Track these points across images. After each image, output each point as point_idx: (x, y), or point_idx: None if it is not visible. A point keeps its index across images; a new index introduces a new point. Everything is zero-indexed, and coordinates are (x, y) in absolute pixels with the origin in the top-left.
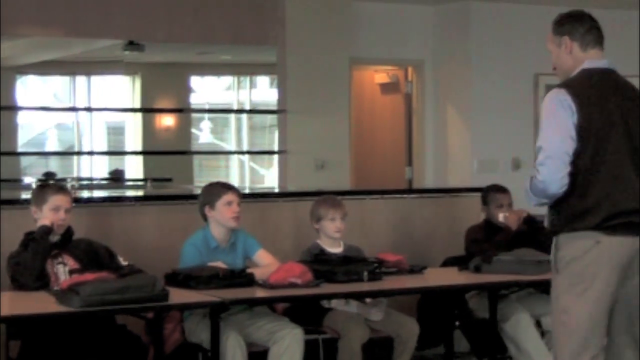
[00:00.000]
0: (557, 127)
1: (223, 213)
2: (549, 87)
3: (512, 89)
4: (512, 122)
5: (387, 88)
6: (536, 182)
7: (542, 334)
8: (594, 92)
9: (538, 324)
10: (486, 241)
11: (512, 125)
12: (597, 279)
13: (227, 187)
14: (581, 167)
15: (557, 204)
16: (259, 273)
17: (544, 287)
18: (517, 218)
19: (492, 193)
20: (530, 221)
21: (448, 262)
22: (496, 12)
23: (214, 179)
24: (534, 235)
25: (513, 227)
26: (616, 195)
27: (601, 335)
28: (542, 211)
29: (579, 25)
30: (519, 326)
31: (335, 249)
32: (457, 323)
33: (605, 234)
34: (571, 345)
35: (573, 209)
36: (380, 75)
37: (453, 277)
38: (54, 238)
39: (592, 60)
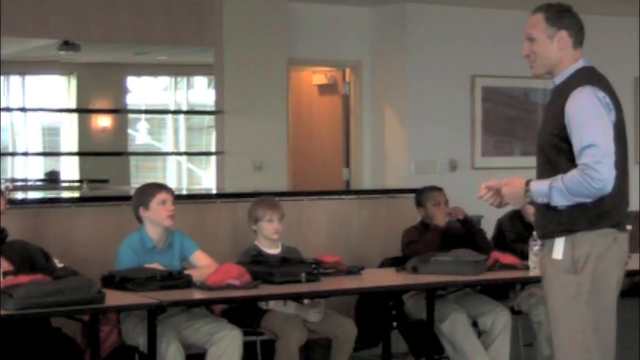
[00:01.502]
0: (604, 126)
1: (158, 212)
2: (485, 89)
3: (449, 90)
4: (449, 123)
5: (324, 89)
6: (589, 181)
7: (479, 334)
8: (614, 93)
9: (475, 324)
10: (423, 242)
11: (449, 127)
12: (615, 275)
13: (160, 187)
14: (617, 166)
15: (580, 203)
16: (196, 274)
17: (481, 288)
18: (448, 215)
19: (427, 192)
20: (465, 221)
21: (385, 263)
22: (433, 14)
23: (151, 180)
24: (469, 236)
25: (441, 223)
26: (627, 194)
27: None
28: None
29: (575, 21)
30: (456, 326)
31: (273, 250)
32: (394, 324)
33: (619, 230)
34: (587, 343)
35: (600, 208)
36: (318, 76)
37: (390, 277)
38: None
39: (585, 59)
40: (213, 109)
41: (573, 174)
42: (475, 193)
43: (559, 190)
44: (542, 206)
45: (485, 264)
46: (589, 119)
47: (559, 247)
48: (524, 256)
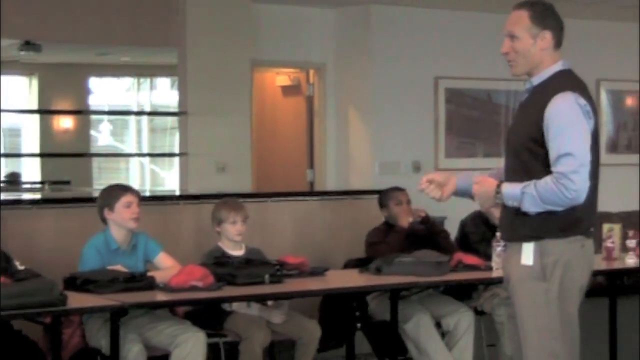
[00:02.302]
0: (583, 134)
1: (122, 214)
2: (448, 91)
3: (412, 91)
4: (413, 124)
5: (288, 90)
6: (563, 191)
7: (443, 334)
8: (591, 97)
9: (438, 325)
10: (387, 243)
11: (413, 128)
12: (582, 282)
13: (125, 189)
14: (592, 175)
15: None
16: (159, 276)
17: (444, 288)
18: (410, 215)
19: (389, 193)
20: (426, 222)
21: (349, 264)
22: (396, 16)
23: (114, 182)
24: (433, 237)
25: (405, 224)
26: (596, 202)
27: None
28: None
29: (558, 21)
30: (420, 327)
31: (237, 252)
32: (358, 325)
33: (586, 237)
34: (554, 349)
35: (571, 216)
36: (281, 77)
37: (354, 279)
38: None
39: (564, 61)
40: (176, 110)
41: (547, 181)
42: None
43: (531, 197)
44: (511, 209)
45: (449, 264)
46: (568, 127)
47: (528, 253)
48: (487, 257)
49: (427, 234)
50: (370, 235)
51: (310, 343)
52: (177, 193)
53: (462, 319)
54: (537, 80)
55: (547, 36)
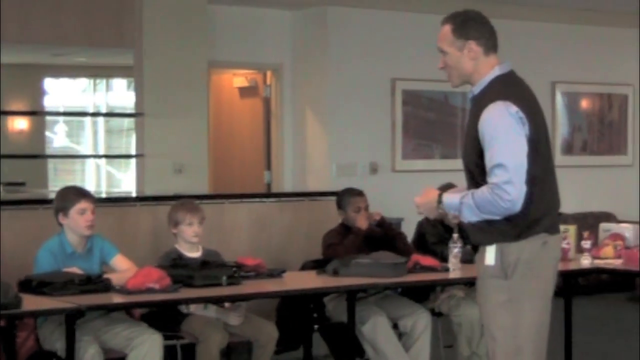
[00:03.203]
0: (515, 143)
1: (76, 221)
2: (405, 92)
3: (369, 93)
4: (370, 126)
5: (245, 92)
6: (498, 200)
7: (400, 336)
8: (530, 100)
9: (395, 326)
10: (342, 243)
11: (370, 130)
12: (546, 278)
13: (80, 194)
14: (535, 178)
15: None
16: (116, 278)
17: (401, 290)
18: (368, 218)
19: (348, 196)
20: (382, 224)
21: (307, 266)
22: (354, 18)
23: (70, 183)
24: (390, 239)
25: (363, 227)
26: (556, 197)
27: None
28: (400, 214)
29: (482, 28)
30: (377, 328)
31: (194, 254)
32: (315, 326)
33: (550, 234)
34: (518, 346)
35: (527, 218)
36: (239, 79)
37: (311, 280)
38: None
39: (501, 65)
40: (133, 111)
41: (483, 191)
42: (396, 195)
43: (468, 206)
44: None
45: (406, 266)
46: (499, 137)
47: (490, 254)
48: (444, 258)
49: (383, 236)
50: (327, 237)
51: (268, 345)
52: (134, 195)
53: (419, 320)
54: (477, 89)
55: (473, 46)
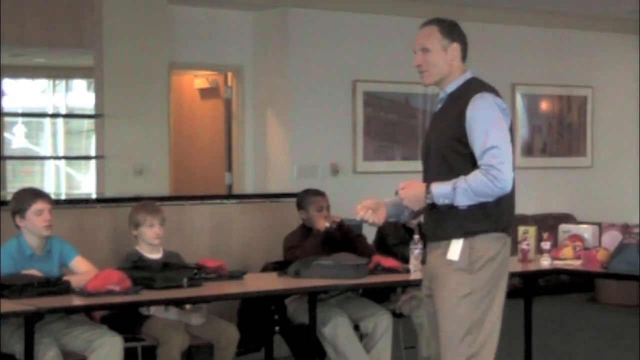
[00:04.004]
0: (504, 131)
1: (33, 222)
2: (366, 94)
3: (330, 95)
4: (331, 128)
5: (206, 93)
6: (493, 181)
7: (361, 337)
8: (503, 100)
9: (357, 328)
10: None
11: (331, 131)
12: (505, 277)
13: (36, 195)
14: (514, 168)
15: (475, 206)
16: (75, 280)
17: (362, 291)
18: (327, 220)
19: (308, 196)
20: (341, 228)
21: (268, 267)
22: (315, 19)
23: (28, 185)
24: (347, 241)
25: (321, 228)
26: (514, 199)
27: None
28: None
29: (463, 37)
30: (338, 330)
31: (155, 255)
32: (277, 328)
33: (507, 235)
34: (472, 340)
35: (497, 210)
36: (199, 80)
37: (273, 282)
38: None
39: (471, 70)
40: (93, 112)
41: (476, 174)
42: (358, 197)
43: (463, 191)
44: (439, 209)
45: (367, 267)
46: (491, 123)
47: (455, 248)
48: (405, 259)
49: (343, 239)
50: (288, 238)
51: (229, 347)
52: (94, 196)
53: (380, 322)
54: (450, 88)
55: (456, 47)
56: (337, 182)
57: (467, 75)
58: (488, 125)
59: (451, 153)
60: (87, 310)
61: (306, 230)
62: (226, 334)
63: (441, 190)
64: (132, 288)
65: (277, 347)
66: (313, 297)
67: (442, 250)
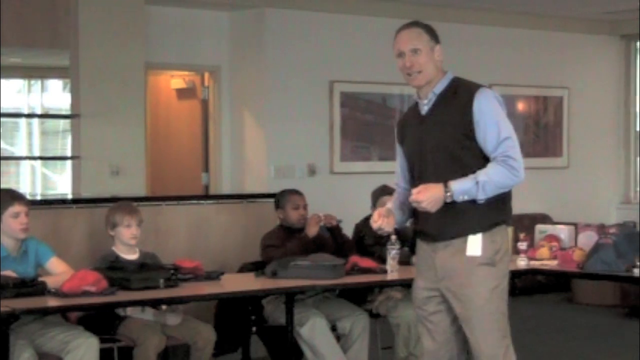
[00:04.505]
0: (509, 122)
1: (10, 225)
2: (343, 94)
3: (307, 95)
4: (308, 128)
5: (183, 93)
6: (512, 171)
7: (338, 338)
8: None
9: (334, 328)
10: (282, 245)
11: (308, 132)
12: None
13: (13, 198)
14: None
15: (491, 198)
16: (51, 281)
17: (339, 291)
18: (321, 221)
19: (286, 195)
20: (335, 230)
21: (245, 268)
22: (291, 20)
23: (4, 186)
24: (336, 245)
25: (312, 234)
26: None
27: None
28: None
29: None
30: (315, 330)
31: (131, 256)
32: (253, 329)
33: (507, 226)
34: (504, 329)
35: (504, 202)
36: (176, 80)
37: (250, 282)
38: None
39: (450, 71)
40: (69, 112)
41: (495, 166)
42: (335, 197)
43: (486, 184)
44: (452, 207)
45: (344, 268)
46: (499, 115)
47: (475, 244)
48: (382, 260)
49: (331, 242)
50: (265, 238)
51: (206, 347)
52: (70, 197)
53: (357, 322)
54: (438, 88)
55: (440, 51)
56: (314, 183)
57: (450, 75)
58: (497, 118)
59: (461, 150)
60: (63, 311)
61: (284, 229)
62: (203, 335)
63: (462, 187)
64: (108, 289)
65: (254, 347)
66: (290, 297)
67: (454, 248)
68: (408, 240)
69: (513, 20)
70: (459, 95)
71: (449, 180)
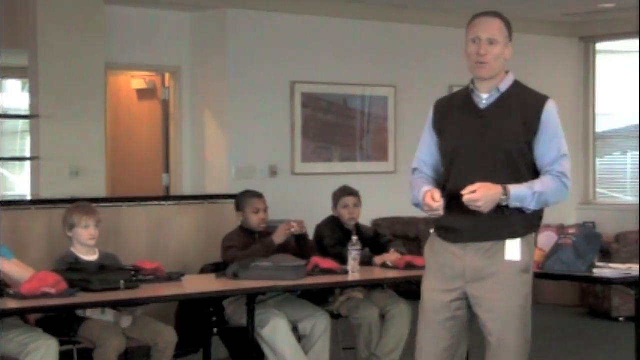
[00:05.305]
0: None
1: None
2: (305, 95)
3: (269, 96)
4: (269, 129)
5: (144, 94)
6: (563, 189)
7: (299, 339)
8: None
9: (295, 329)
10: (243, 247)
11: (269, 132)
12: None
13: None
14: None
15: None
16: (10, 283)
17: (301, 292)
18: (290, 229)
19: (247, 198)
20: (302, 238)
21: (206, 269)
22: (253, 20)
23: None
24: (301, 252)
25: (279, 241)
26: None
27: None
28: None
29: None
30: (277, 331)
31: (91, 257)
32: (215, 330)
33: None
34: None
35: (542, 209)
36: (137, 81)
37: (211, 284)
38: None
39: (511, 72)
40: (28, 113)
41: (551, 180)
42: (296, 198)
43: (541, 196)
44: (501, 209)
45: (305, 269)
46: (561, 131)
47: (514, 248)
48: (343, 261)
49: (293, 244)
50: (226, 239)
51: (167, 349)
52: (29, 198)
53: (318, 323)
54: (503, 87)
55: (511, 49)
56: (276, 184)
57: (512, 77)
58: (560, 133)
59: (519, 156)
60: (22, 314)
61: (244, 231)
62: (164, 337)
63: (519, 194)
64: (68, 290)
65: (215, 349)
66: (251, 298)
67: (491, 250)
68: (368, 240)
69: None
70: (526, 100)
71: (499, 183)
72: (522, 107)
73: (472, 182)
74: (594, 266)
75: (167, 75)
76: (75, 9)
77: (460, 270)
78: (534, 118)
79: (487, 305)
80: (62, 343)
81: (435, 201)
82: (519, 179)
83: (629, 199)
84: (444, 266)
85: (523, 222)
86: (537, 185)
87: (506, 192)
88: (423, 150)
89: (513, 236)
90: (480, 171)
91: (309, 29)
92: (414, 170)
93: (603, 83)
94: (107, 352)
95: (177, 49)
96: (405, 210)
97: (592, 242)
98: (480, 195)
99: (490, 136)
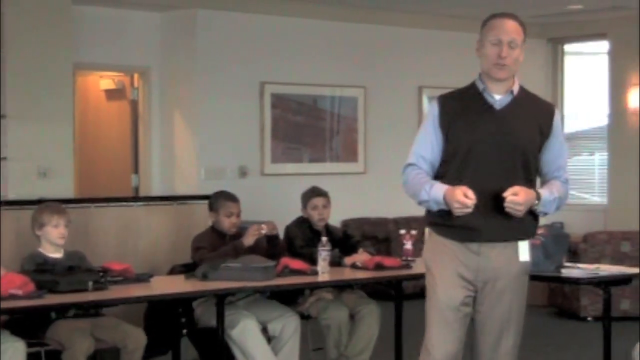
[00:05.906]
0: None
1: None
2: (274, 96)
3: (238, 97)
4: (239, 129)
5: (112, 94)
6: (567, 194)
7: (269, 339)
8: None
9: (265, 330)
10: (213, 248)
11: (239, 133)
12: None
13: None
14: None
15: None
16: None
17: (270, 293)
18: (262, 229)
19: (222, 200)
20: (275, 238)
21: (175, 270)
22: (223, 21)
23: None
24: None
25: (249, 244)
26: None
27: None
28: (268, 217)
29: None
30: (246, 332)
31: (57, 255)
32: (184, 331)
33: None
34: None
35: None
36: (105, 81)
37: (180, 284)
38: None
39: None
40: None
41: (560, 185)
42: (266, 199)
43: (559, 201)
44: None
45: (275, 269)
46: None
47: (525, 250)
48: (313, 262)
49: (263, 245)
50: (196, 240)
51: (136, 351)
52: None
53: (288, 324)
54: (516, 89)
55: (523, 52)
56: (245, 184)
57: (518, 80)
58: (564, 142)
59: (533, 160)
60: None
61: (215, 232)
62: (133, 338)
63: (547, 199)
64: (36, 292)
65: (184, 350)
66: (221, 299)
67: (508, 251)
68: (337, 241)
69: (443, 23)
70: (538, 105)
71: (516, 183)
72: (536, 110)
73: (491, 182)
74: (562, 266)
75: (136, 76)
76: (42, 9)
77: (474, 269)
78: (548, 122)
79: (499, 303)
80: (29, 345)
81: (469, 198)
82: (530, 181)
83: (597, 199)
84: (459, 266)
85: (533, 224)
86: (555, 190)
87: (539, 197)
88: (423, 145)
89: (525, 237)
90: (499, 171)
91: (279, 30)
92: (410, 165)
93: (571, 84)
94: (76, 354)
95: (146, 49)
96: (375, 210)
97: (560, 242)
98: (522, 199)
99: (509, 137)
